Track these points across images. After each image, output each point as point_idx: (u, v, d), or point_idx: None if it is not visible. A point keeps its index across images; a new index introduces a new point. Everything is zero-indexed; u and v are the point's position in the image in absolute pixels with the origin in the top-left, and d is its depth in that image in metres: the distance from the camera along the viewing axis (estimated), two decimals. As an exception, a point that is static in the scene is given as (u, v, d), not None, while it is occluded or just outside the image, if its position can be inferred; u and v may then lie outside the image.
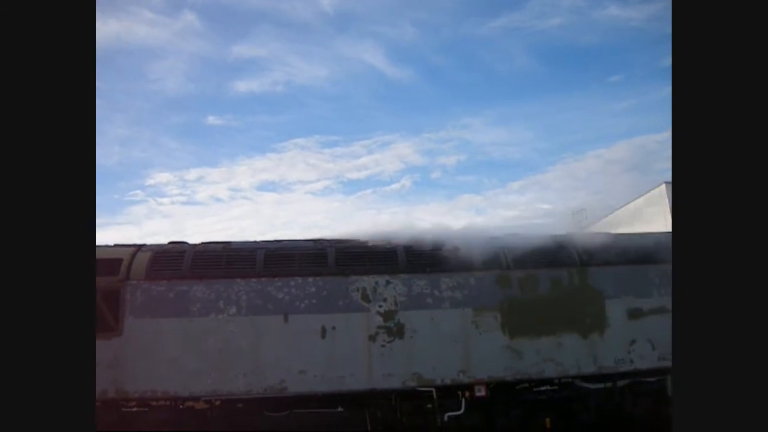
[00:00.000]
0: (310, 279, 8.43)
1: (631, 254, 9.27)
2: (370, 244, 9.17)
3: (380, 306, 8.40)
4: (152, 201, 49.37)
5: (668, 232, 13.43)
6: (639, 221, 18.99)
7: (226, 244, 8.91)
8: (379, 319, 8.34)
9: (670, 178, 18.85)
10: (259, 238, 9.30)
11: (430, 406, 8.16)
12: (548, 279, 8.92)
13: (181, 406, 7.77)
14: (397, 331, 8.32)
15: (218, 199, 50.73)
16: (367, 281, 8.51)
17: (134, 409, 7.70)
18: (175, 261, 8.44)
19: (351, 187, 54.42)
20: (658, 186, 19.33)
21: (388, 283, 8.54)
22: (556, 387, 8.52)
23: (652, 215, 18.80)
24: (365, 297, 8.43)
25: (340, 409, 8.01)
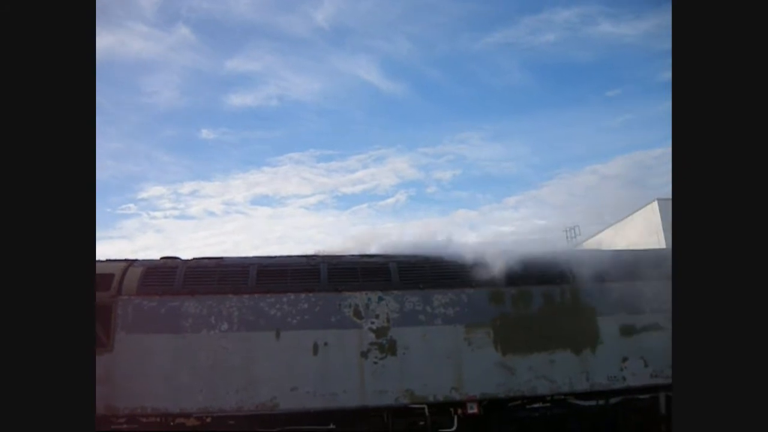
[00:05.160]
0: (303, 295, 8.42)
1: (623, 271, 9.27)
2: (362, 260, 9.17)
3: (372, 322, 8.39)
4: (145, 215, 49.37)
5: (661, 249, 13.50)
6: (631, 237, 19.09)
7: (219, 260, 8.90)
8: (372, 336, 8.32)
9: (663, 194, 18.98)
10: (252, 253, 9.30)
11: (422, 423, 8.11)
12: (541, 296, 8.93)
13: (171, 423, 7.71)
14: (389, 348, 8.30)
15: (212, 213, 50.73)
16: (360, 297, 8.50)
17: (124, 426, 7.62)
18: (167, 276, 8.42)
19: (345, 201, 54.57)
20: (651, 203, 19.49)
21: (380, 299, 8.53)
22: (548, 404, 8.50)
23: (644, 231, 18.91)
24: (357, 313, 8.42)
25: (332, 426, 7.94)
